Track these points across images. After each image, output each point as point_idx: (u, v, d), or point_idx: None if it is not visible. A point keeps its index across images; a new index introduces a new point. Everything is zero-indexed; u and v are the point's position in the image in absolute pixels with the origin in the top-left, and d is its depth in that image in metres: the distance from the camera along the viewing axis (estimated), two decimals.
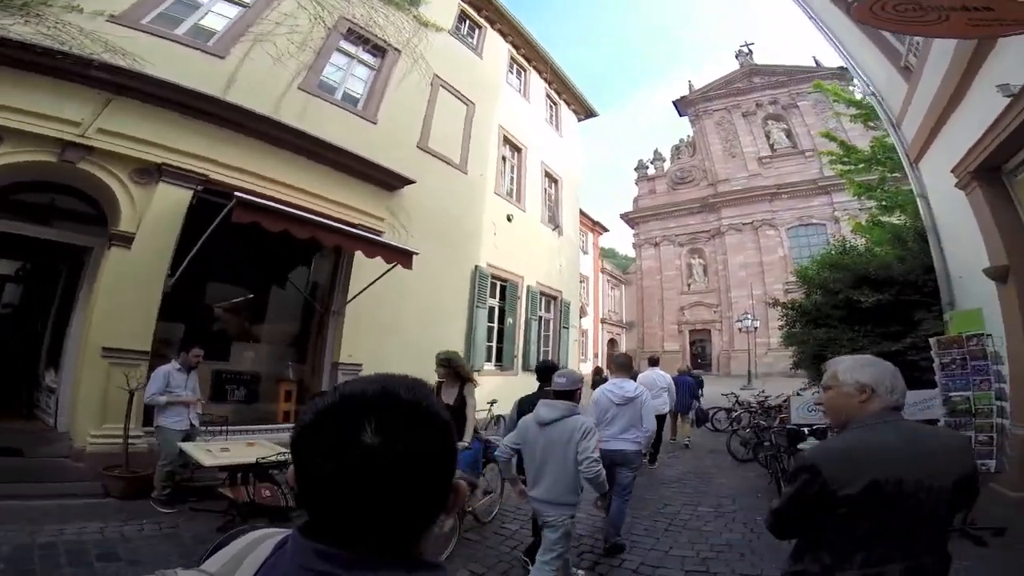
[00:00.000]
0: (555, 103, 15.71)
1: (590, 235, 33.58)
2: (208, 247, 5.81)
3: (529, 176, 13.05)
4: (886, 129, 11.26)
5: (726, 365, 33.49)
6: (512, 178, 12.78)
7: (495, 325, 11.00)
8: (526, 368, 11.42)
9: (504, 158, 12.45)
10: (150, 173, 6.01)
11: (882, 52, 7.53)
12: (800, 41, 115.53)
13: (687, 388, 9.91)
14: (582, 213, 32.57)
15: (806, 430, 5.42)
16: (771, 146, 36.74)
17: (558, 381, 3.20)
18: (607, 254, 42.96)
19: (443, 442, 0.62)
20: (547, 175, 14.30)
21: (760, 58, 39.05)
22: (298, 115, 7.41)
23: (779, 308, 9.81)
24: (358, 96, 8.99)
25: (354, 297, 7.30)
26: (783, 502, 1.53)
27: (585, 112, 17.13)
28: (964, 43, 5.14)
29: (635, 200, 40.84)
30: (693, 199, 37.99)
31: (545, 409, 3.09)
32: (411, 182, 8.64)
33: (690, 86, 40.28)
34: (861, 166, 11.91)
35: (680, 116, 41.15)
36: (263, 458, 4.54)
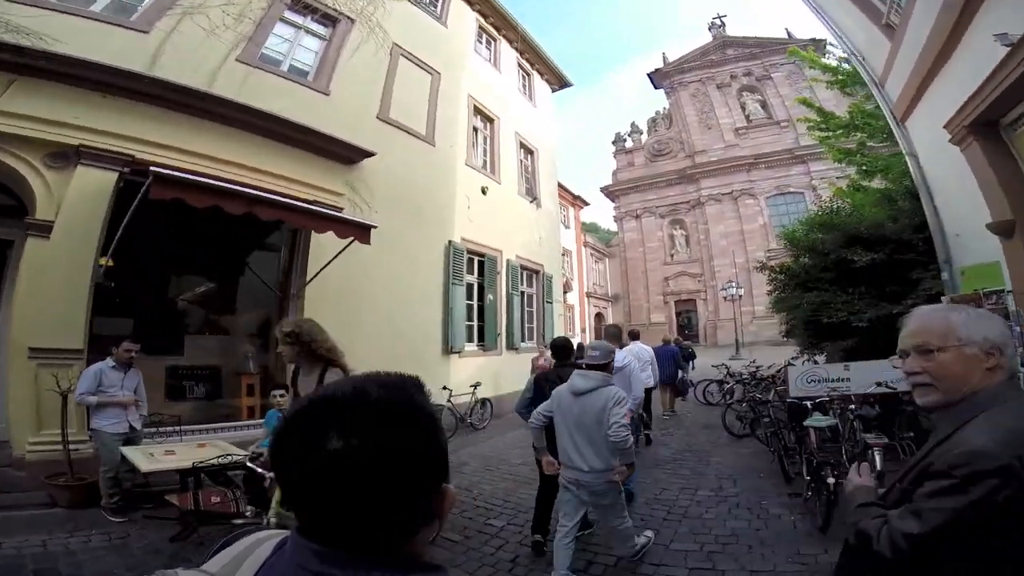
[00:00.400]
0: (527, 73, 14.96)
1: (571, 209, 32.92)
2: (156, 234, 5.12)
3: (503, 147, 12.33)
4: (868, 91, 10.87)
5: (713, 335, 33.45)
6: (485, 149, 12.04)
7: (474, 303, 10.36)
8: (511, 347, 10.88)
9: (476, 129, 11.68)
10: (66, 156, 5.26)
11: (862, 11, 7.25)
12: (773, 13, 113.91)
13: (670, 358, 9.67)
14: (562, 188, 31.86)
15: (808, 404, 4.96)
16: (747, 117, 36.38)
17: (592, 354, 3.27)
18: (589, 228, 42.30)
19: (423, 440, 0.60)
20: (522, 146, 13.59)
21: (734, 30, 38.48)
22: (237, 88, 6.63)
23: (767, 273, 9.36)
24: (308, 68, 8.13)
25: (312, 279, 6.61)
26: (936, 520, 1.02)
27: (559, 82, 16.42)
28: None
29: (614, 173, 40.16)
30: (671, 171, 37.48)
31: (580, 379, 3.13)
32: (371, 154, 7.91)
33: (664, 59, 39.47)
34: (839, 132, 11.68)
35: (656, 89, 40.35)
36: (201, 461, 3.97)
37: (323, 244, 6.64)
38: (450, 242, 9.46)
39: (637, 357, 6.29)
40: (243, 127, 6.52)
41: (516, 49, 14.13)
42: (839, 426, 4.35)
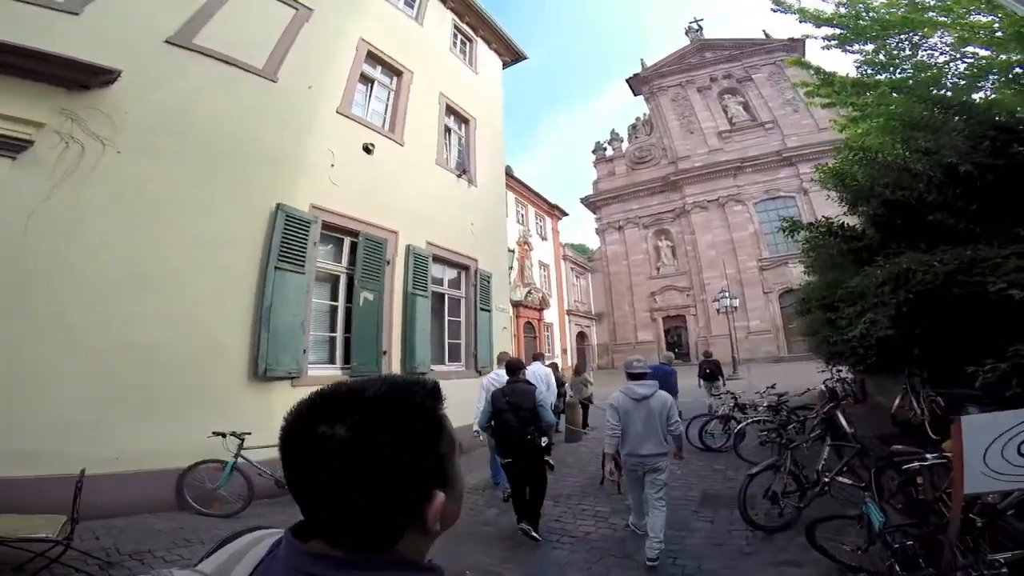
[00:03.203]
0: (468, 39, 11.78)
1: (548, 220, 29.38)
2: None
3: (416, 105, 8.74)
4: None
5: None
6: (388, 106, 8.46)
7: (340, 304, 6.43)
8: (409, 370, 6.95)
9: (370, 78, 8.20)
10: None
11: None
12: (747, 17, 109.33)
13: (665, 379, 7.05)
14: (539, 196, 28.37)
15: None
16: (730, 120, 33.21)
17: (637, 365, 4.01)
18: (578, 249, 38.60)
19: (413, 440, 0.58)
20: (451, 111, 10.02)
21: (710, 34, 35.87)
22: None
23: (802, 239, 5.56)
24: None
25: None
26: None
27: (511, 54, 13.18)
28: None
29: (595, 183, 36.56)
30: (654, 178, 33.95)
31: (640, 388, 3.85)
32: (109, 75, 4.54)
33: (642, 64, 36.45)
34: (846, 93, 8.06)
35: (635, 96, 37.32)
36: None
37: None
38: (279, 207, 5.63)
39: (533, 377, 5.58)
40: None
41: (451, 9, 10.99)
42: None
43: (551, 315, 27.94)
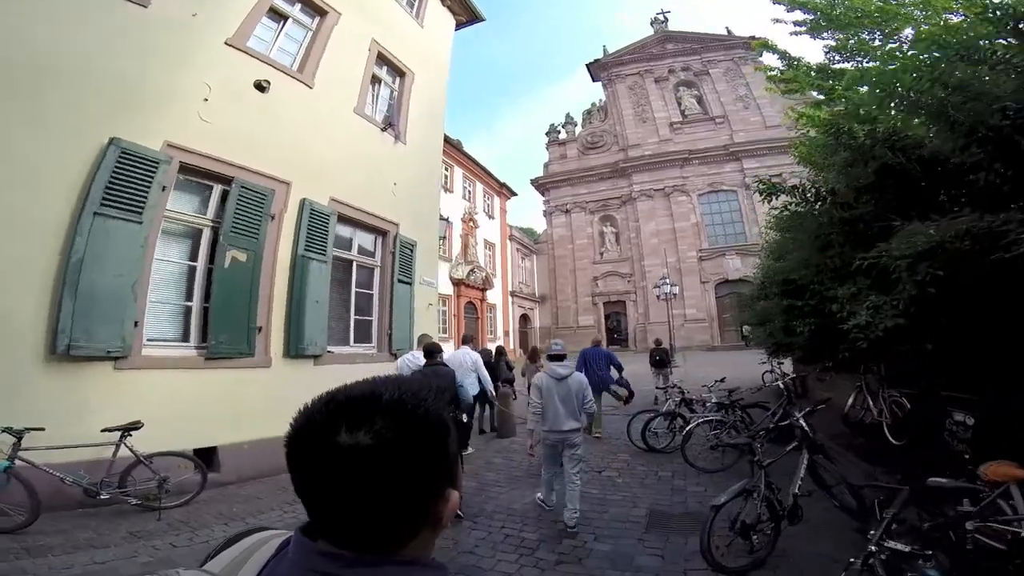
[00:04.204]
0: None
1: (497, 199, 28.04)
2: None
3: (339, 48, 7.20)
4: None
5: (643, 339, 29.26)
6: (301, 45, 6.86)
7: (200, 265, 4.87)
8: (295, 353, 5.49)
9: (283, 14, 6.64)
10: None
11: None
12: (716, 12, 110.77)
13: (603, 360, 7.17)
14: (488, 174, 26.92)
15: None
16: (682, 112, 33.04)
17: (555, 348, 4.29)
18: (527, 233, 37.43)
19: (430, 443, 0.56)
20: (385, 60, 8.47)
21: (675, 27, 35.60)
22: None
23: (775, 205, 4.62)
24: None
25: None
26: None
27: (468, 15, 11.71)
28: None
29: (546, 165, 35.49)
30: (604, 164, 33.33)
31: (560, 368, 4.11)
32: None
33: (604, 50, 35.64)
34: (811, 78, 7.26)
35: (594, 81, 36.49)
36: None
37: None
38: (113, 141, 4.07)
39: (458, 365, 5.15)
40: None
41: None
42: None
43: (494, 296, 26.81)
